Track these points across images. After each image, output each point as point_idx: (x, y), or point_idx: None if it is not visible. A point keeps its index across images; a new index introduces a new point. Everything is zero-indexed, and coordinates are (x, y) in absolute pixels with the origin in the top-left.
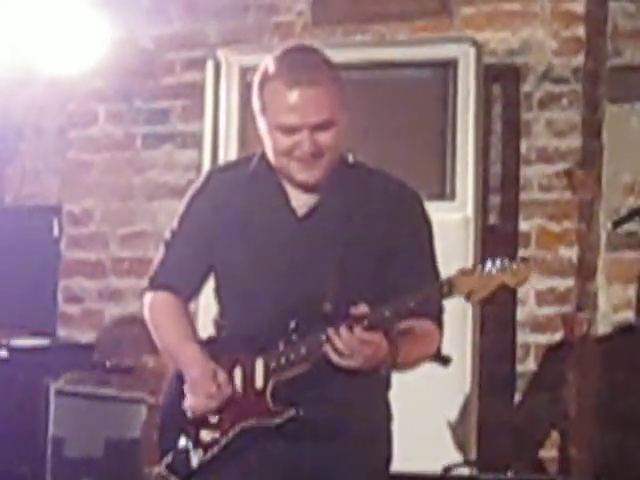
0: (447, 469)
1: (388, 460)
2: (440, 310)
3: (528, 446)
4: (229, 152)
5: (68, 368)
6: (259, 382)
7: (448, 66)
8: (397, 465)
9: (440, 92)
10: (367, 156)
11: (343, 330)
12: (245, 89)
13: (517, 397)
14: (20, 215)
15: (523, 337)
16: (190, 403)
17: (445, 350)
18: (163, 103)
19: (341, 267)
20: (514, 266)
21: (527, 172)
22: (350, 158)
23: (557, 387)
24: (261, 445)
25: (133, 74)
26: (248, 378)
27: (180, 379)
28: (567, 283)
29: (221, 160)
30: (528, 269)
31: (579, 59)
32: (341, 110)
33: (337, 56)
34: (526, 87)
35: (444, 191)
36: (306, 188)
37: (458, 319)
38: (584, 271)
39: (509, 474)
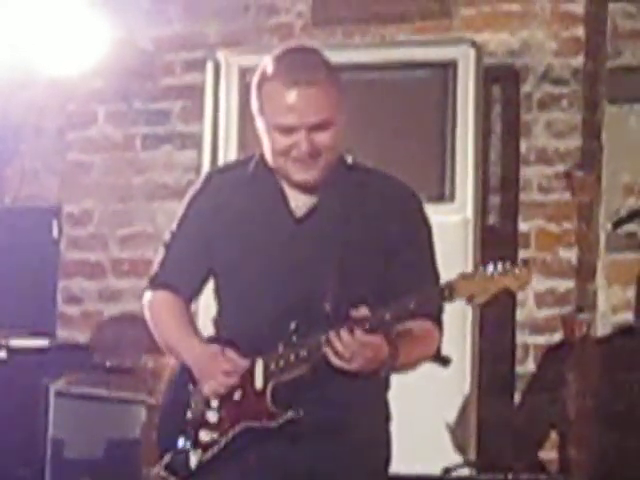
0: (446, 470)
1: (387, 461)
2: (440, 310)
3: (528, 447)
4: (229, 153)
5: (67, 369)
6: (259, 383)
7: (448, 67)
8: (396, 466)
9: (440, 93)
10: (366, 157)
11: (344, 333)
12: (245, 90)
13: (516, 398)
14: (19, 216)
15: (522, 338)
16: (209, 388)
17: (445, 351)
18: (163, 104)
19: (340, 268)
20: (516, 270)
21: (527, 173)
22: (349, 159)
23: (557, 388)
24: (260, 446)
25: (133, 75)
26: (248, 379)
27: (180, 380)
28: (567, 284)
29: (221, 161)
30: (529, 273)
31: (578, 60)
32: (339, 110)
33: (337, 57)
34: (526, 88)
35: (443, 193)
36: (304, 188)
37: (458, 320)
38: (584, 272)
39: (509, 476)
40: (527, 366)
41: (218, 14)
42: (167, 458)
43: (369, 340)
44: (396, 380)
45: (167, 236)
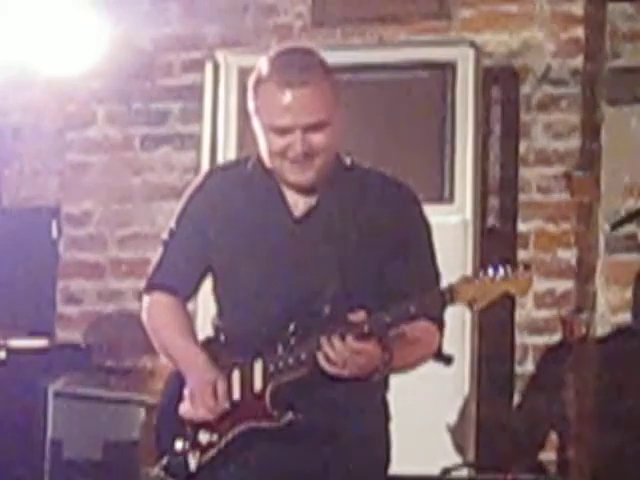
0: (446, 471)
1: (386, 462)
2: (441, 310)
3: (527, 447)
4: (228, 153)
5: (66, 369)
6: (258, 385)
7: (447, 68)
8: (395, 467)
9: (439, 94)
10: (365, 158)
11: (335, 340)
12: (244, 91)
13: (516, 399)
14: (18, 216)
15: (522, 339)
16: (187, 410)
17: (444, 352)
18: (162, 104)
19: (340, 269)
20: (518, 275)
21: (526, 174)
22: (347, 160)
23: (556, 389)
24: (259, 448)
25: (132, 75)
26: (247, 381)
27: (179, 380)
28: (566, 285)
29: (220, 161)
30: (531, 278)
31: (578, 61)
32: (335, 111)
33: (336, 58)
34: (525, 89)
35: (443, 194)
36: (299, 189)
37: (457, 321)
38: (583, 273)
39: (509, 476)
40: (526, 367)
41: (217, 15)
42: (166, 460)
43: (361, 347)
44: (396, 380)
45: (165, 235)
